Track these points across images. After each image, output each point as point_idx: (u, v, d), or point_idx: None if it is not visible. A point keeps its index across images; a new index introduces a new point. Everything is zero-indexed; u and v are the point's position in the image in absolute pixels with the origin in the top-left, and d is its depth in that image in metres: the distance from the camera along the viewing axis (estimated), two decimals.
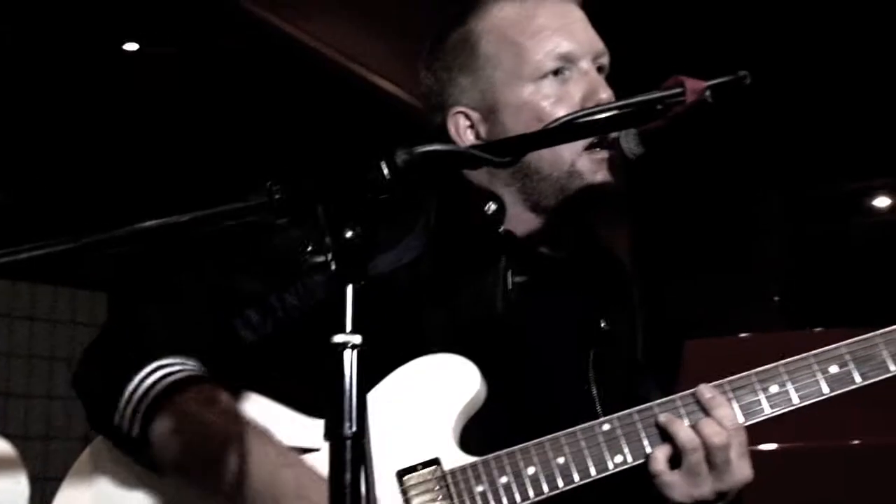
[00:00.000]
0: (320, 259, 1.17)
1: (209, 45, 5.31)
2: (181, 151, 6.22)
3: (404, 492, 1.61)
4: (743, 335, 3.99)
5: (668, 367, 1.94)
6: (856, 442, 3.33)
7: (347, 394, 1.13)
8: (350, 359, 1.14)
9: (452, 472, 1.62)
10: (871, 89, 6.48)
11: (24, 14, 4.87)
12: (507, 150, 1.33)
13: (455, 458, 1.63)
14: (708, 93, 1.41)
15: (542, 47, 1.78)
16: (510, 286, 1.78)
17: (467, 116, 1.84)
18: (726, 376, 1.70)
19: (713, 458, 1.58)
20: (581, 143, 1.75)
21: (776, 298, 7.64)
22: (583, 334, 1.85)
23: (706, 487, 1.59)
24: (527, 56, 1.78)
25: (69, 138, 5.86)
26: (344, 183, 1.19)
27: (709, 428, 1.59)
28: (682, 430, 1.60)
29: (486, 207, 1.79)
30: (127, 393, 1.60)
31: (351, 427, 1.12)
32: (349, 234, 1.15)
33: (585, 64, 1.79)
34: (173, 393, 1.59)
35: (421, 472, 1.62)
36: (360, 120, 5.54)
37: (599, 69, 1.83)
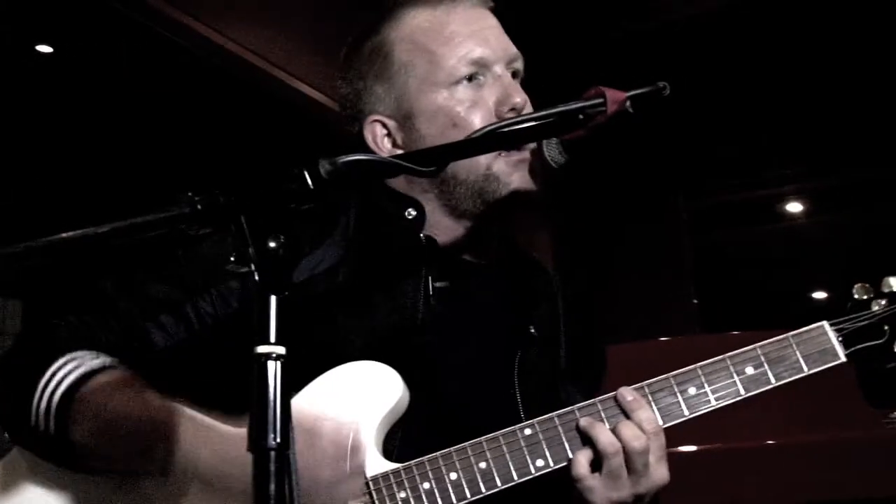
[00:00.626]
0: (244, 269, 1.16)
1: (127, 49, 5.21)
2: (98, 157, 6.10)
3: None
4: (662, 339, 4.06)
5: (592, 374, 1.94)
6: (769, 442, 3.40)
7: (271, 405, 1.12)
8: (274, 370, 1.13)
9: (374, 478, 1.61)
10: (785, 98, 6.64)
11: None
12: (431, 160, 1.33)
13: (377, 464, 1.62)
14: (628, 103, 1.43)
15: (455, 53, 1.78)
16: (431, 292, 1.78)
17: (384, 125, 1.84)
18: (646, 380, 1.72)
19: (632, 463, 1.59)
20: None
21: (695, 301, 7.79)
22: (506, 340, 1.84)
23: (625, 491, 1.60)
24: (440, 62, 1.78)
25: None
26: (267, 193, 1.18)
27: (629, 431, 1.60)
28: (603, 433, 1.61)
29: (406, 213, 1.79)
30: (39, 389, 1.56)
31: (275, 438, 1.12)
32: (272, 244, 1.15)
33: (499, 69, 1.80)
34: (87, 381, 1.56)
35: None
36: (283, 126, 5.50)
37: (514, 74, 1.84)
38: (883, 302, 1.73)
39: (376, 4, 1.92)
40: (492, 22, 1.85)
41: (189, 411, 1.57)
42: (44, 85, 5.66)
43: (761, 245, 8.99)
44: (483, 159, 1.75)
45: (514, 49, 1.85)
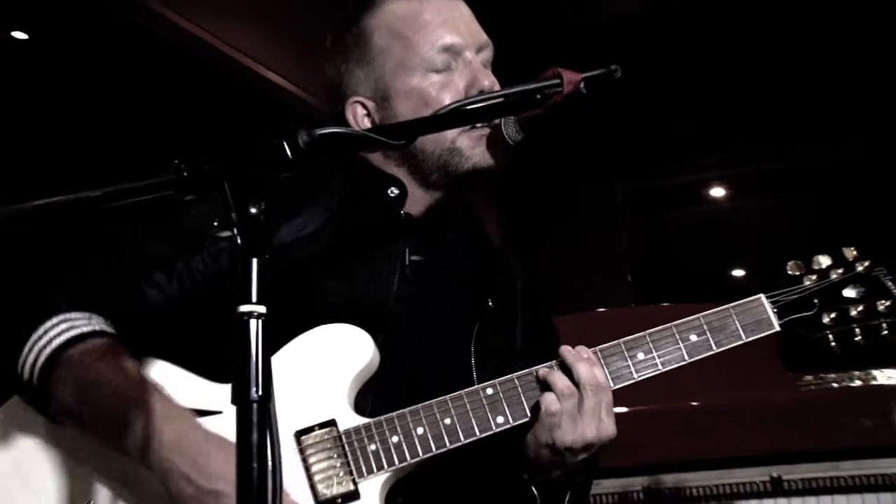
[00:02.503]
0: (226, 233, 1.15)
1: (106, 37, 5.09)
2: (70, 140, 5.96)
3: (302, 451, 1.59)
4: (601, 310, 4.08)
5: (546, 356, 1.94)
6: (695, 404, 3.45)
7: (253, 360, 1.11)
8: (255, 327, 1.12)
9: (347, 432, 1.61)
10: (710, 93, 6.71)
11: None
12: (402, 134, 1.32)
13: (349, 419, 1.62)
14: (582, 84, 1.42)
15: (428, 39, 1.78)
16: (406, 263, 1.78)
17: (363, 105, 1.85)
18: (590, 346, 1.72)
19: (585, 403, 1.61)
20: None
21: (629, 278, 7.86)
22: (468, 312, 1.85)
23: (577, 434, 1.61)
24: (415, 48, 1.79)
25: None
26: (248, 161, 1.17)
27: (584, 375, 1.62)
28: (561, 379, 1.63)
29: (389, 191, 1.79)
30: (31, 342, 1.55)
31: (257, 391, 1.11)
32: (253, 210, 1.13)
33: (469, 54, 1.80)
34: (73, 345, 1.55)
35: (318, 432, 1.60)
36: (254, 111, 5.42)
37: (484, 61, 1.84)
38: (814, 277, 1.75)
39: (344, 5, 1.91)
40: (464, 11, 1.86)
41: (161, 391, 1.55)
42: (19, 70, 5.51)
43: (688, 226, 9.09)
44: (448, 134, 1.75)
45: (484, 37, 1.85)
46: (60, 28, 5.13)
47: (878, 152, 7.32)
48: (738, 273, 9.58)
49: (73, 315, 1.59)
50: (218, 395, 1.57)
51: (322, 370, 1.64)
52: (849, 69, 6.54)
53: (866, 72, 6.54)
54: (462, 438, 1.63)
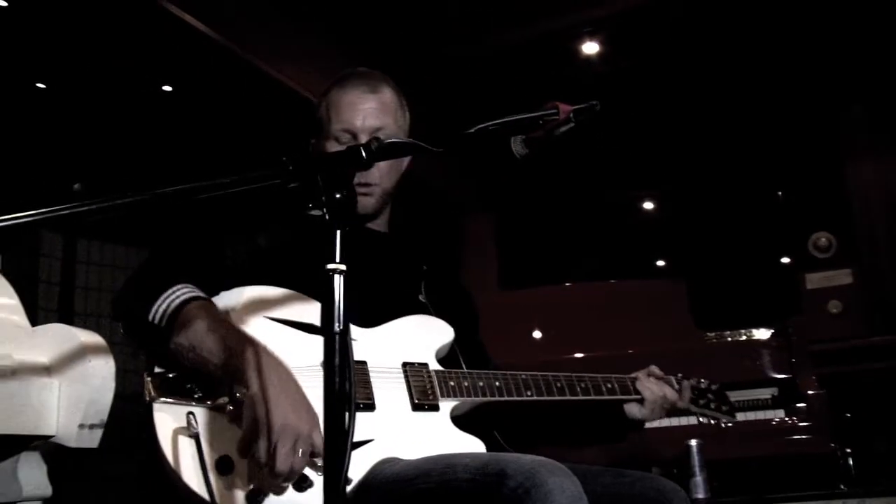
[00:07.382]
0: (318, 212, 1.10)
1: (225, 85, 5.06)
2: (206, 170, 5.89)
3: (406, 373, 1.64)
4: (567, 284, 4.05)
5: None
6: (631, 351, 3.47)
7: (336, 303, 1.07)
8: (338, 280, 1.08)
9: (437, 370, 1.68)
10: (646, 125, 6.54)
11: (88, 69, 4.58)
12: (442, 143, 1.25)
13: (436, 366, 1.70)
14: (572, 114, 1.36)
15: (339, 120, 1.79)
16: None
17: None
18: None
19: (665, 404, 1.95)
20: None
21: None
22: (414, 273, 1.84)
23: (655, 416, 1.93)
24: (330, 125, 1.80)
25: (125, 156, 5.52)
26: (336, 160, 1.14)
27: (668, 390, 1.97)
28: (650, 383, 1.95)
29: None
30: (162, 297, 1.45)
31: (339, 325, 1.07)
32: (338, 195, 1.10)
33: (364, 137, 1.75)
34: (190, 302, 1.45)
35: (417, 367, 1.66)
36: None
37: (376, 137, 1.76)
38: (703, 384, 2.16)
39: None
40: (367, 105, 1.77)
41: (237, 330, 1.45)
42: (166, 116, 5.49)
43: (626, 231, 9.01)
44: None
45: (376, 123, 1.76)
46: (196, 83, 5.11)
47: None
48: (661, 263, 9.52)
49: (186, 285, 1.48)
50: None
51: (425, 335, 1.73)
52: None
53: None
54: (498, 396, 1.71)
